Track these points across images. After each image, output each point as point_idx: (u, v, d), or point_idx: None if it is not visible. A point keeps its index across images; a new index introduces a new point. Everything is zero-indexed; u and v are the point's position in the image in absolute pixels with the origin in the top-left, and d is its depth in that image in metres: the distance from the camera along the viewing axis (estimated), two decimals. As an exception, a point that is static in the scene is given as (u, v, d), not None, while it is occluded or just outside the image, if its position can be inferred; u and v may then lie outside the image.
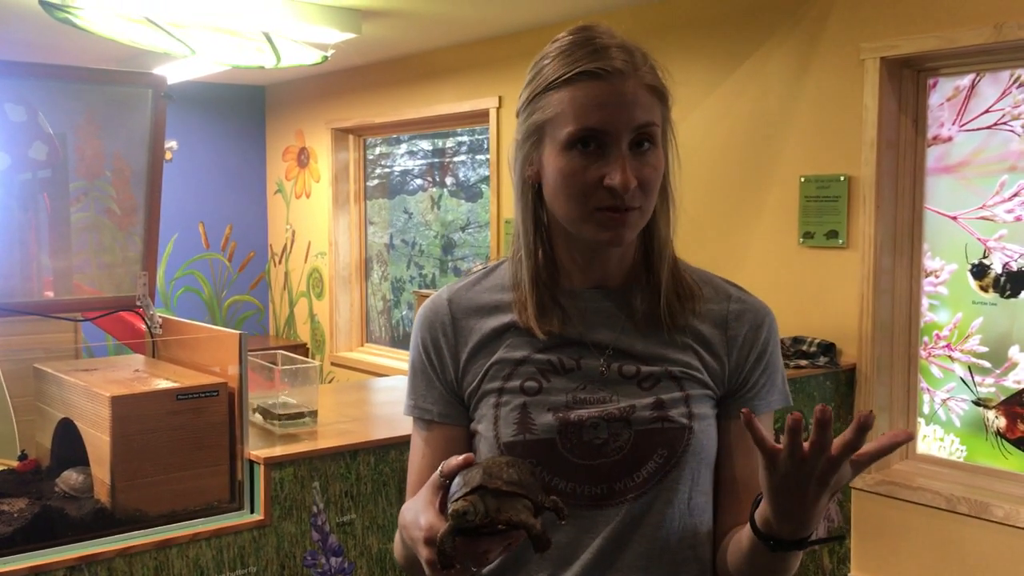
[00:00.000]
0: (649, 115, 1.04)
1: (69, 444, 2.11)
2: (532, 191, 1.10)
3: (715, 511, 1.14)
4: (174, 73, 4.91)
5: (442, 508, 0.95)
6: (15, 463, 2.22)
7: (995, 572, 3.07)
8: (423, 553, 0.92)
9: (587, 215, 1.04)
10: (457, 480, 0.93)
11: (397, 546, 1.14)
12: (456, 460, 0.95)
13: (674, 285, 1.11)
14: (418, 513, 0.95)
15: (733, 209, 3.74)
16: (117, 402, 1.95)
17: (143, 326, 2.48)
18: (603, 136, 1.02)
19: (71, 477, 2.07)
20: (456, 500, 0.89)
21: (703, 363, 1.10)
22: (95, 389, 2.01)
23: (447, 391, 1.14)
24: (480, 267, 1.21)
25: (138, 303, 2.48)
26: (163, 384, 2.11)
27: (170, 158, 6.00)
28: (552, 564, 1.09)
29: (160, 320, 2.45)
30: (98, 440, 2.00)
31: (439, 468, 0.97)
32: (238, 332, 2.13)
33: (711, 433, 1.10)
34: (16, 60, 2.55)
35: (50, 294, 2.58)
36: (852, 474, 0.89)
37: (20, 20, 4.07)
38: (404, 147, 5.80)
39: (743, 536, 1.02)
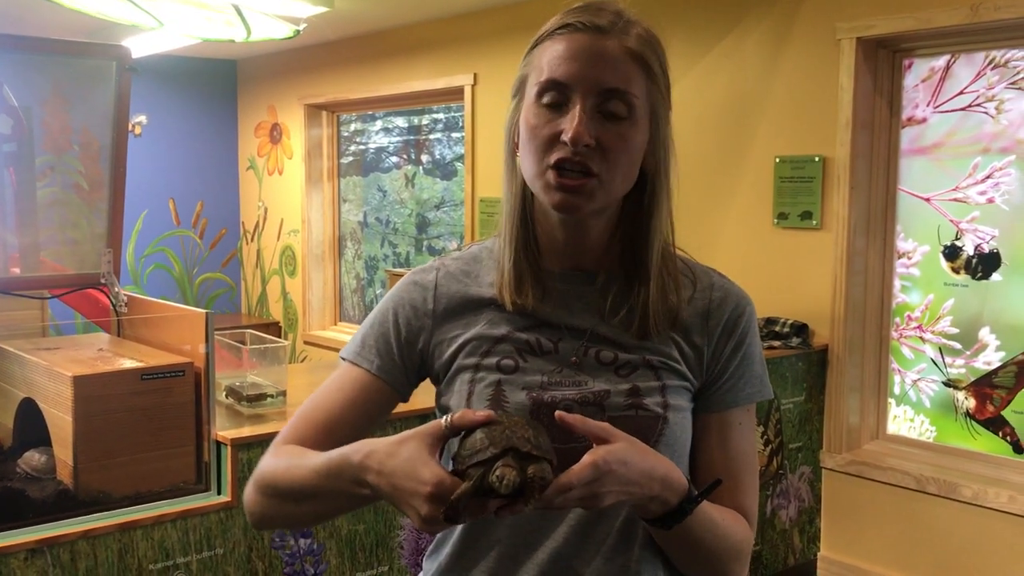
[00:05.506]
0: (623, 82, 0.98)
1: (31, 424, 2.07)
2: (515, 156, 1.05)
3: None
4: (144, 46, 4.81)
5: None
6: (-23, 443, 2.18)
7: (963, 551, 3.11)
8: (423, 508, 0.86)
9: (542, 171, 0.99)
10: (478, 436, 0.89)
11: (262, 487, 1.12)
12: (477, 415, 0.90)
13: (662, 282, 1.06)
14: (413, 463, 0.87)
15: (707, 189, 3.73)
16: (79, 382, 1.92)
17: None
18: (567, 90, 0.98)
19: (33, 458, 2.03)
20: (494, 465, 0.85)
21: (682, 353, 1.07)
22: (57, 368, 1.97)
23: (399, 355, 1.09)
24: (476, 242, 1.17)
25: (102, 280, 2.44)
26: (127, 364, 2.07)
27: (139, 133, 5.91)
28: (516, 547, 1.06)
29: (126, 298, 2.41)
30: (61, 420, 1.97)
31: (447, 419, 0.90)
32: (205, 311, 2.10)
33: (686, 425, 1.07)
34: (-23, 31, 2.48)
35: (17, 271, 2.53)
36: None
37: (-17, -10, 3.98)
38: (379, 124, 5.74)
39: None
